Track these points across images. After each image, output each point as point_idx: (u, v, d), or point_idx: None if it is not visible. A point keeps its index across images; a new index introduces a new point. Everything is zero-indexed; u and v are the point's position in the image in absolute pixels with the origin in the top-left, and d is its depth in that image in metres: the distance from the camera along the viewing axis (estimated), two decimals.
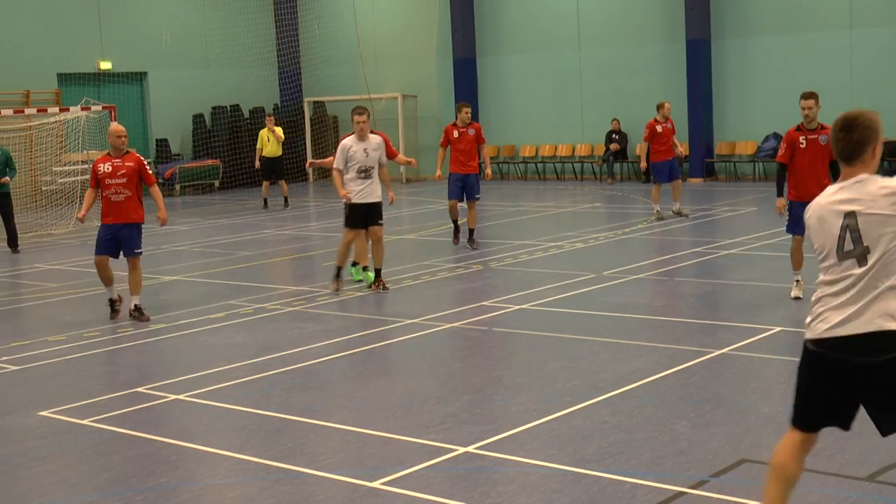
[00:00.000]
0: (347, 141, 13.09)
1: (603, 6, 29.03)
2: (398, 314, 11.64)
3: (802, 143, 11.40)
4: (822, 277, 5.00)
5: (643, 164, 19.77)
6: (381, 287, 13.05)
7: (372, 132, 13.24)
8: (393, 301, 12.56)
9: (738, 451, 6.73)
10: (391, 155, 13.84)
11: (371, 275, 13.29)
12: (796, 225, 11.05)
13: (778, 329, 10.16)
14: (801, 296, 11.27)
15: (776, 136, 26.14)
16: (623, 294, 12.32)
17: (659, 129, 19.71)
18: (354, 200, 13.00)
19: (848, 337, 4.83)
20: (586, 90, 29.48)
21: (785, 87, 25.76)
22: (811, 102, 11.53)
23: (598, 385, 8.44)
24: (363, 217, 13.11)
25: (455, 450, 7.01)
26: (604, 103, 29.00)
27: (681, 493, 6.09)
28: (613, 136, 28.34)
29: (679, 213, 19.51)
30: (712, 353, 9.33)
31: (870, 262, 4.82)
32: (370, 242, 13.35)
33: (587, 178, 29.66)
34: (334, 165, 13.11)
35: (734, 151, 27.40)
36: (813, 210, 5.02)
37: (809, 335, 4.99)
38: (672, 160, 19.69)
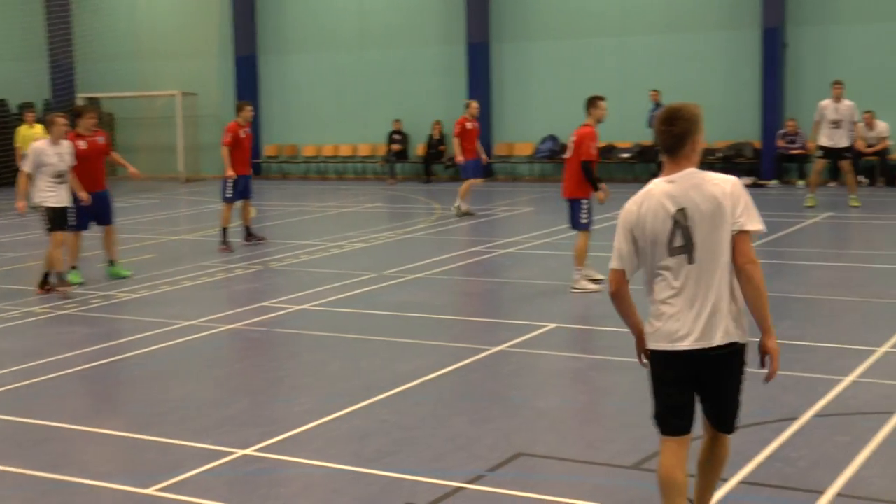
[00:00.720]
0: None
1: (385, 7, 29.20)
2: (175, 316, 11.36)
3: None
4: (653, 273, 5.01)
5: (459, 159, 20.21)
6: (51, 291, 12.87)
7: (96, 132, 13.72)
8: (170, 303, 12.25)
9: (514, 446, 6.88)
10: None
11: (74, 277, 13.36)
12: None
13: (553, 325, 10.45)
14: None
15: (552, 138, 26.94)
16: (403, 293, 12.42)
17: (469, 126, 20.21)
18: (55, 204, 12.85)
19: (688, 333, 4.89)
20: (368, 91, 29.59)
21: (561, 90, 26.60)
22: (604, 103, 12.37)
23: (379, 384, 8.47)
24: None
25: (234, 453, 6.90)
26: (386, 104, 29.16)
27: (459, 489, 6.18)
28: (395, 136, 28.55)
29: (466, 212, 19.90)
30: (490, 350, 9.51)
31: (697, 258, 4.87)
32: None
33: (369, 178, 29.77)
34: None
35: (512, 153, 28.06)
36: (641, 203, 4.98)
37: (648, 328, 5.06)
38: (479, 159, 20.38)
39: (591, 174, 12.13)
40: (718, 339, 4.86)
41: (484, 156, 20.97)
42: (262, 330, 10.76)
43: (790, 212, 19.42)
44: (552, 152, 26.97)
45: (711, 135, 25.38)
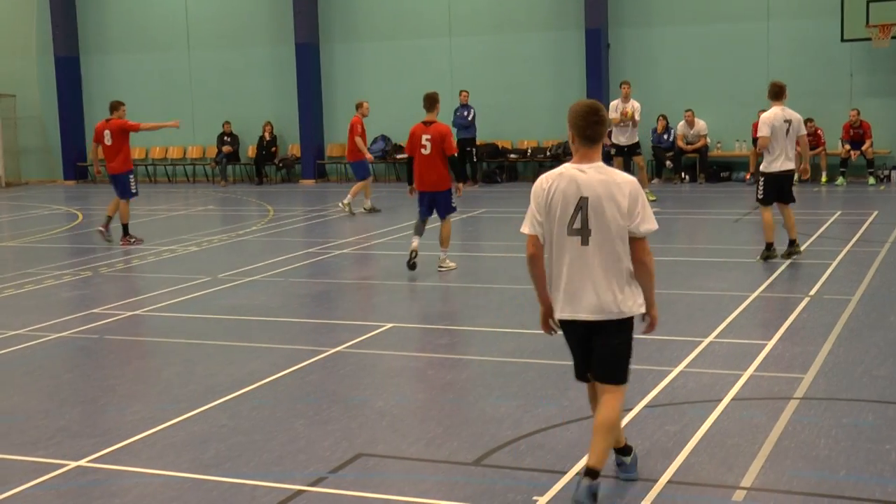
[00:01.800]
0: None
1: (211, 8, 28.76)
2: None
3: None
4: (552, 249, 5.66)
5: (370, 157, 20.27)
6: None
7: None
8: None
9: (354, 447, 6.88)
10: None
11: None
12: None
13: (390, 325, 10.48)
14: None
15: (384, 138, 27.01)
16: (238, 296, 12.27)
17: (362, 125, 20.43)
18: None
19: (579, 305, 5.64)
20: (196, 92, 29.09)
21: (392, 90, 26.68)
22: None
23: (215, 389, 8.34)
24: None
25: (66, 465, 6.69)
26: (215, 105, 28.72)
27: (300, 492, 6.15)
28: (225, 138, 28.14)
29: (372, 209, 20.27)
30: (328, 351, 9.48)
31: (592, 242, 5.57)
32: None
33: (199, 180, 29.28)
34: None
35: (344, 153, 27.96)
36: (552, 182, 5.61)
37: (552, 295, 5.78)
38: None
39: (458, 166, 13.61)
40: (599, 313, 5.61)
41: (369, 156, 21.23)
42: (92, 337, 10.46)
43: None
44: (384, 152, 27.03)
45: (540, 133, 25.94)
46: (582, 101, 5.63)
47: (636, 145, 20.71)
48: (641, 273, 5.69)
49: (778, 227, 13.69)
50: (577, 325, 5.70)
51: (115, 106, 17.32)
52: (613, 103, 20.68)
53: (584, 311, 5.63)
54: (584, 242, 5.57)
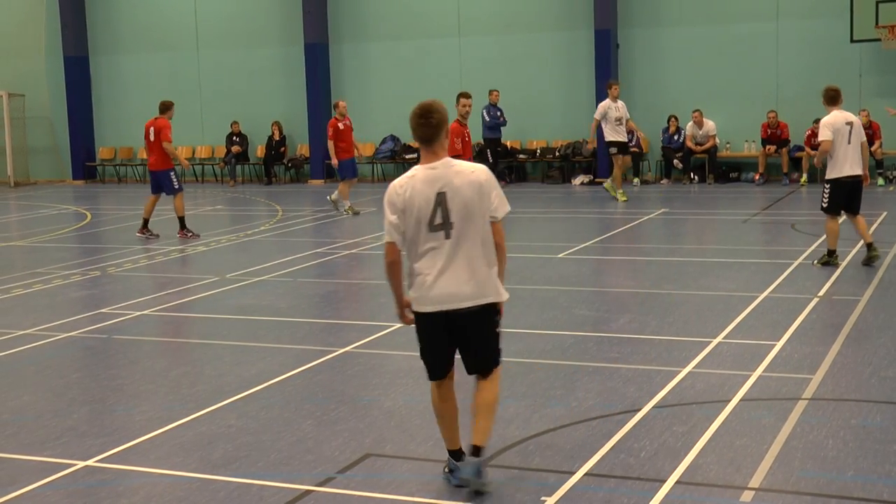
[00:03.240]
0: None
1: (221, 7, 28.79)
2: (8, 325, 10.96)
3: (466, 137, 13.29)
4: (416, 247, 5.85)
5: (334, 161, 20.23)
6: None
7: None
8: (2, 312, 11.82)
9: (362, 447, 6.88)
10: None
11: None
12: None
13: (398, 325, 10.45)
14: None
15: (394, 138, 27.03)
16: (246, 296, 12.28)
17: (341, 126, 20.27)
18: None
19: (449, 296, 5.83)
20: (205, 92, 29.12)
21: (401, 90, 26.68)
22: (470, 101, 13.72)
23: (224, 389, 8.36)
24: None
25: (74, 465, 6.70)
26: (223, 105, 28.74)
27: (308, 492, 6.15)
28: (234, 138, 28.16)
29: (348, 210, 20.16)
30: (336, 351, 9.48)
31: (454, 234, 5.80)
32: None
33: (208, 180, 29.31)
34: None
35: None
36: (406, 186, 5.83)
37: (413, 294, 5.95)
38: (353, 158, 20.61)
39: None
40: (472, 301, 5.84)
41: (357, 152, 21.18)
42: (101, 337, 10.48)
43: (626, 208, 19.96)
44: (393, 152, 27.05)
45: (549, 134, 25.92)
46: (422, 102, 5.95)
47: (628, 143, 21.79)
48: (500, 257, 5.98)
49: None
50: (446, 317, 5.86)
51: (166, 106, 17.90)
52: (605, 103, 21.22)
53: (453, 302, 5.82)
54: (448, 236, 5.80)
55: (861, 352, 8.94)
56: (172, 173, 17.58)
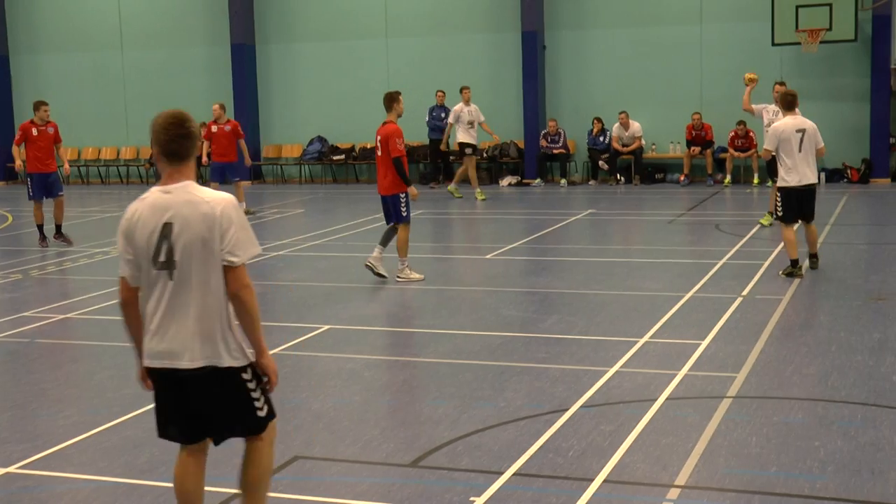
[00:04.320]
0: None
1: (145, 7, 28.46)
2: None
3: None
4: (144, 286, 4.89)
5: (204, 161, 20.10)
6: None
7: None
8: None
9: (290, 449, 6.84)
10: None
11: None
12: None
13: (327, 327, 10.44)
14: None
15: (321, 140, 26.93)
16: None
17: (214, 129, 20.29)
18: None
19: (168, 352, 4.86)
20: (130, 92, 28.76)
21: (329, 91, 26.62)
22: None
23: (149, 393, 8.22)
24: None
25: None
26: (149, 106, 28.36)
27: (236, 495, 6.09)
28: None
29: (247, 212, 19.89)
30: None
31: (180, 277, 4.77)
32: None
33: (133, 181, 28.95)
34: None
35: (280, 154, 27.87)
36: (135, 211, 4.88)
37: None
38: (224, 163, 20.27)
39: (401, 170, 12.50)
40: (194, 361, 4.83)
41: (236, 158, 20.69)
42: (22, 341, 10.29)
43: (553, 209, 20.10)
44: (320, 154, 26.95)
45: (477, 135, 25.98)
46: (166, 111, 5.00)
47: (472, 145, 22.78)
48: (239, 311, 4.89)
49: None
50: (172, 376, 4.90)
51: (35, 106, 17.53)
52: (458, 107, 22.66)
53: (172, 359, 4.84)
54: (171, 277, 4.78)
55: (783, 350, 9.10)
56: (29, 179, 17.17)
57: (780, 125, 12.41)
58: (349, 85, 26.13)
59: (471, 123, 22.51)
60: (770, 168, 15.47)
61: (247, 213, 19.64)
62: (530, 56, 25.17)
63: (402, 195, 12.58)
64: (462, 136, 22.55)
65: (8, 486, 6.38)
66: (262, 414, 5.05)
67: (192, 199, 4.78)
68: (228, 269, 4.78)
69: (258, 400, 5.03)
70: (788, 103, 12.52)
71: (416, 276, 12.70)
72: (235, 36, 27.28)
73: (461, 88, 22.98)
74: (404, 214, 12.60)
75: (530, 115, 25.38)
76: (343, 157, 26.66)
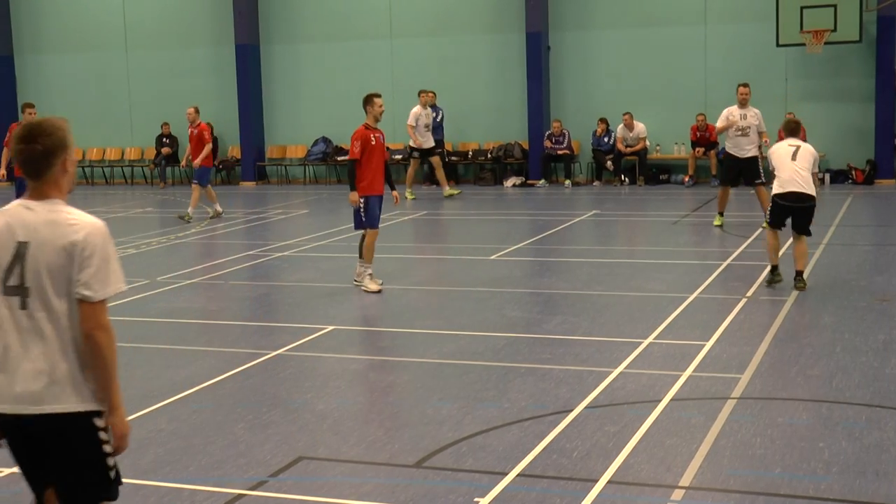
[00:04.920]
0: None
1: (150, 8, 28.46)
2: None
3: (372, 141, 12.11)
4: None
5: (193, 163, 20.11)
6: None
7: None
8: None
9: (295, 450, 6.85)
10: None
11: None
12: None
13: (331, 328, 10.45)
14: None
15: (325, 140, 26.93)
16: (178, 299, 12.16)
17: (193, 132, 20.41)
18: None
19: (10, 395, 4.19)
20: (135, 93, 28.78)
21: (333, 92, 26.62)
22: (382, 100, 12.38)
23: (154, 393, 8.26)
24: None
25: (0, 472, 6.58)
26: (153, 106, 28.42)
27: (240, 496, 6.11)
28: (164, 140, 27.88)
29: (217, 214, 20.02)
30: (268, 354, 9.42)
31: (31, 307, 4.17)
32: None
33: (138, 182, 28.96)
34: None
35: (285, 155, 27.87)
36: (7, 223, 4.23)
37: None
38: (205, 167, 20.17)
39: (350, 173, 12.18)
40: (39, 405, 4.16)
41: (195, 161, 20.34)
42: None
43: (557, 210, 20.10)
44: (325, 154, 26.95)
45: (481, 136, 26.01)
46: (28, 121, 4.28)
47: (436, 146, 23.12)
48: (91, 356, 4.17)
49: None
50: (16, 422, 4.21)
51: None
52: (416, 110, 22.73)
53: (16, 403, 4.16)
54: (23, 305, 4.16)
55: (788, 351, 9.09)
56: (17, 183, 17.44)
57: (776, 146, 12.33)
58: (354, 86, 26.07)
59: (427, 126, 22.74)
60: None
61: (216, 215, 19.61)
62: (534, 57, 25.15)
63: (375, 198, 12.17)
64: (421, 140, 22.77)
65: (11, 487, 6.39)
66: (110, 476, 4.35)
67: (56, 219, 4.17)
68: (83, 305, 4.14)
69: (104, 461, 4.31)
70: (791, 130, 12.44)
71: (374, 286, 12.03)
72: (240, 37, 27.28)
73: (419, 93, 23.17)
74: (364, 220, 12.13)
75: (534, 116, 25.36)
76: (345, 158, 26.63)
